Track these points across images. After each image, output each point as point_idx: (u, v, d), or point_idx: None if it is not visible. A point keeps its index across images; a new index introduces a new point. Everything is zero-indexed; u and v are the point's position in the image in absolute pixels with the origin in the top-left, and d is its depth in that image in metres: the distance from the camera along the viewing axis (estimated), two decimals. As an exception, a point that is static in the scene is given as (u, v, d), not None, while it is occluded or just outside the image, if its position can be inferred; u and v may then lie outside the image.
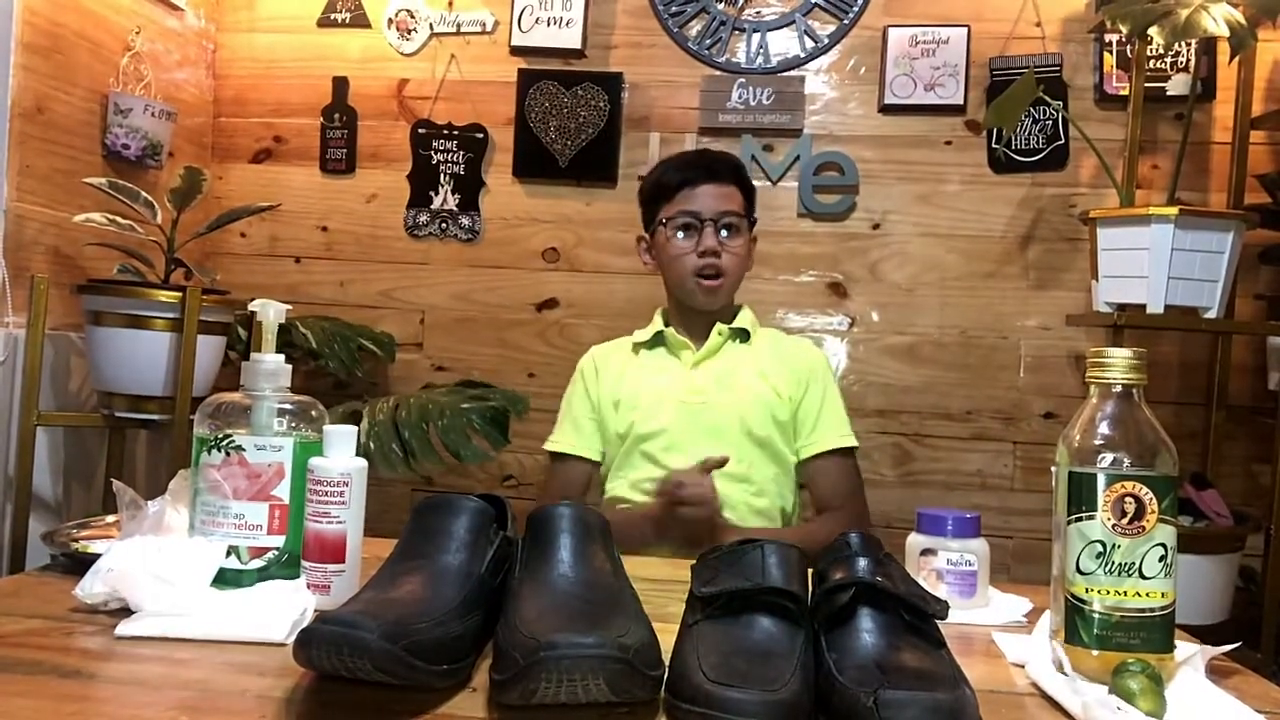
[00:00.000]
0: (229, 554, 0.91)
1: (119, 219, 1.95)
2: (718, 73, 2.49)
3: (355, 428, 0.92)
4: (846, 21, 2.46)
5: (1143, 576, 0.75)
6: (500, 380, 2.39)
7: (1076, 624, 0.76)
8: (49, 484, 2.01)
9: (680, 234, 1.65)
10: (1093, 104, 2.37)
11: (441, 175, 2.57)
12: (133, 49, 2.26)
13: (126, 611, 0.83)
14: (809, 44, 2.47)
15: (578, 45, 2.50)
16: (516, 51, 2.54)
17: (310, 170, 2.63)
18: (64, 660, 0.74)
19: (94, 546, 0.99)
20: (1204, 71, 2.30)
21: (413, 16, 2.58)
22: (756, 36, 2.49)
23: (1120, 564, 0.75)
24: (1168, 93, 2.33)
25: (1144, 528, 0.76)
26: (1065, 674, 0.75)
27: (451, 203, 2.57)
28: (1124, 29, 1.94)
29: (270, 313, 0.98)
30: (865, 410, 2.39)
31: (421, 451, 1.97)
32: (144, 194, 1.99)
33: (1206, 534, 2.01)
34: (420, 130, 2.57)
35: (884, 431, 2.42)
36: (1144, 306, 1.97)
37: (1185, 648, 0.79)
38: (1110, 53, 2.35)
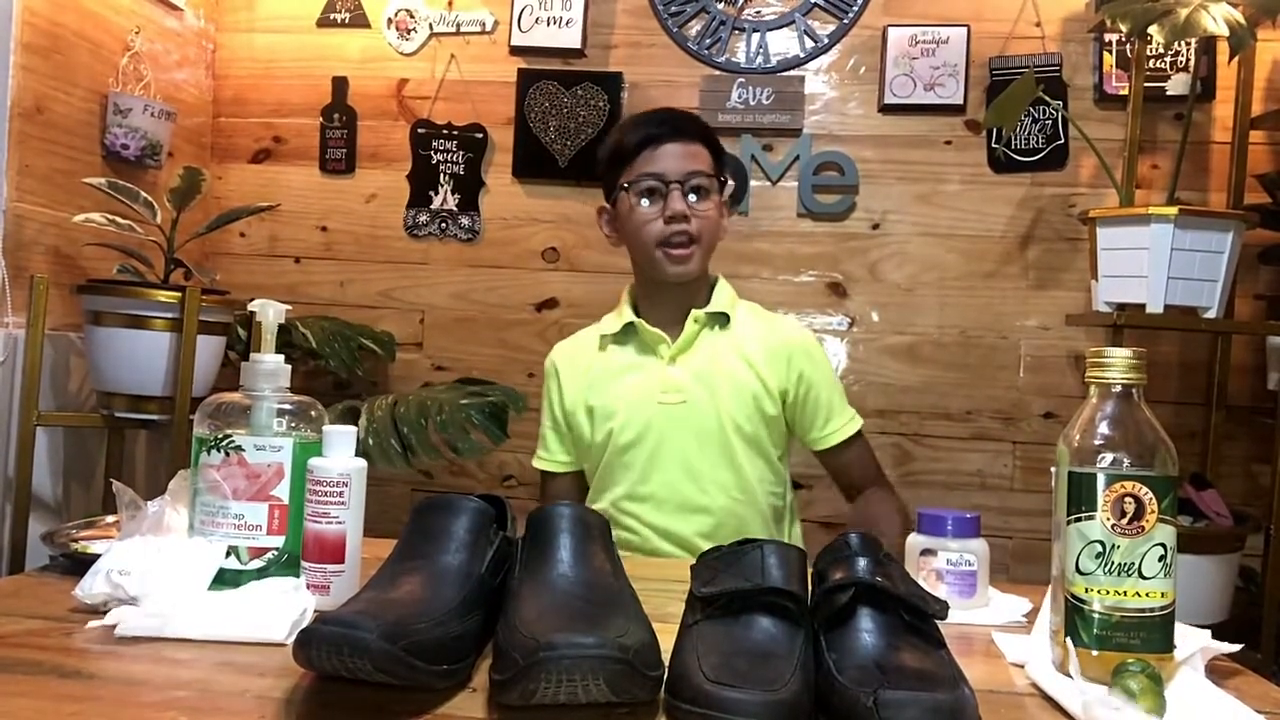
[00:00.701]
0: (229, 554, 0.91)
1: (118, 219, 1.95)
2: (717, 72, 2.49)
3: (354, 428, 0.92)
4: (846, 21, 2.46)
5: (1142, 576, 0.75)
6: (500, 380, 2.38)
7: (1076, 624, 0.76)
8: (49, 484, 2.01)
9: (644, 200, 1.48)
10: (1092, 104, 2.38)
11: (441, 175, 2.57)
12: (132, 49, 2.26)
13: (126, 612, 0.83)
14: (809, 44, 2.47)
15: (577, 45, 2.50)
16: (516, 51, 2.54)
17: (310, 170, 2.63)
18: (64, 660, 0.74)
19: (94, 547, 0.99)
20: (1204, 71, 2.30)
21: (412, 16, 2.58)
22: (756, 36, 2.49)
23: (1120, 564, 0.75)
24: (1167, 92, 2.33)
25: (1144, 528, 0.76)
26: (1069, 675, 0.75)
27: (451, 202, 2.57)
28: (1124, 28, 1.94)
29: (270, 313, 0.98)
30: (865, 410, 2.37)
31: (420, 447, 1.96)
32: (143, 194, 1.99)
33: (1206, 534, 2.01)
34: (420, 130, 2.57)
35: (884, 431, 2.42)
36: (1144, 306, 1.97)
37: (1187, 644, 0.79)
38: (1110, 52, 2.35)
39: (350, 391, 2.44)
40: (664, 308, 1.53)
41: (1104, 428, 0.78)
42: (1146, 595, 0.75)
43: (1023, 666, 0.81)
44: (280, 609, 0.82)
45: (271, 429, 0.93)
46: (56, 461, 2.03)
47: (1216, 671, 0.80)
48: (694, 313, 1.51)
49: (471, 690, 0.71)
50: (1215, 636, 0.82)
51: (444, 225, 2.57)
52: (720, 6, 2.50)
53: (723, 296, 1.55)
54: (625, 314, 1.55)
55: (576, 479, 1.61)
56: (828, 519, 2.33)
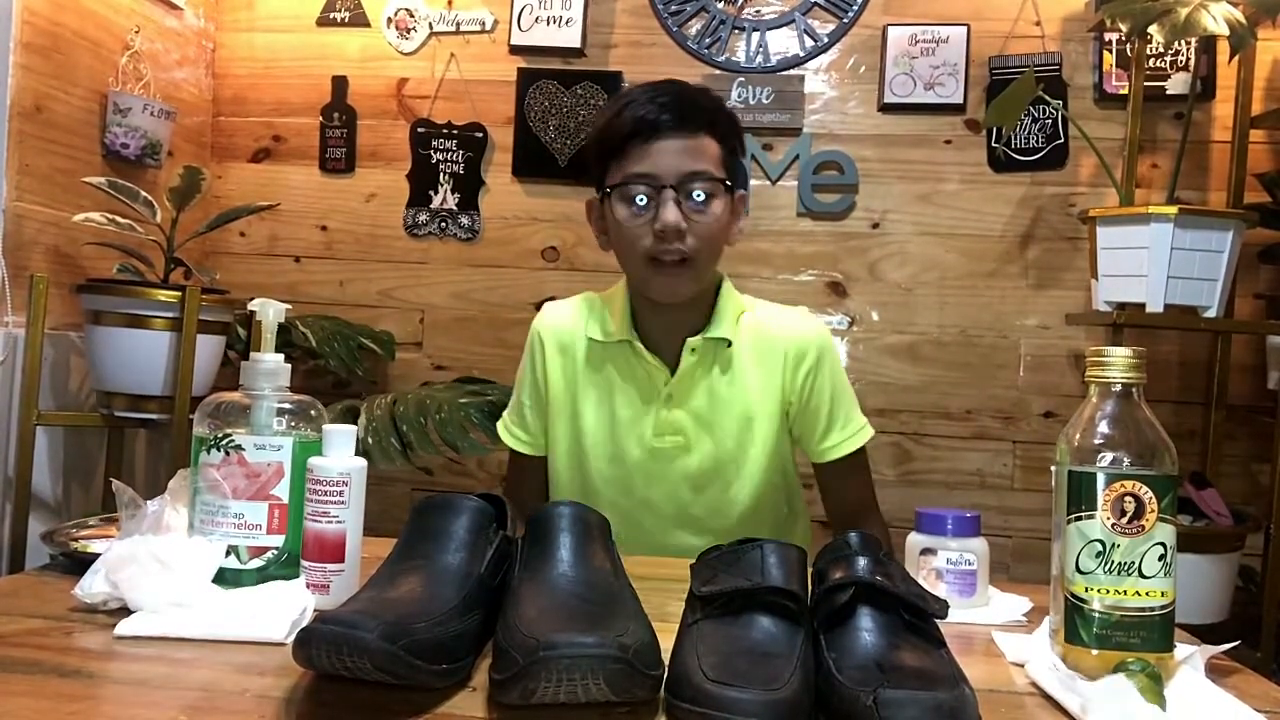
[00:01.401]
0: (228, 554, 0.91)
1: (118, 218, 1.95)
2: (717, 72, 2.48)
3: (354, 427, 0.92)
4: (846, 20, 2.46)
5: (1142, 576, 0.75)
6: (500, 379, 2.38)
7: (1076, 623, 0.76)
8: (49, 484, 2.00)
9: (632, 209, 1.23)
10: (1092, 103, 2.37)
11: (441, 174, 2.57)
12: (132, 48, 2.26)
13: (126, 611, 0.83)
14: (808, 43, 2.47)
15: (577, 44, 2.50)
16: (516, 50, 2.54)
17: (309, 169, 2.63)
18: (64, 660, 0.74)
19: (94, 546, 0.99)
20: (1204, 70, 2.30)
21: (412, 15, 2.58)
22: (756, 35, 2.49)
23: (1120, 563, 0.75)
24: (1167, 92, 2.33)
25: (1143, 527, 0.76)
26: (1069, 674, 0.75)
27: (451, 202, 2.57)
28: (1124, 28, 1.94)
29: (270, 312, 0.98)
30: (865, 410, 2.37)
31: (419, 444, 1.96)
32: (143, 193, 1.99)
33: (1206, 533, 2.01)
34: (420, 129, 2.57)
35: (884, 431, 2.42)
36: (1143, 305, 1.97)
37: (1185, 647, 0.79)
38: (1110, 52, 2.35)
39: (350, 391, 2.44)
40: (659, 322, 1.33)
41: (1104, 427, 0.78)
42: (1146, 594, 0.75)
43: (1023, 666, 0.81)
44: (280, 608, 0.82)
45: (271, 428, 0.93)
46: (56, 461, 2.03)
47: (1216, 671, 0.80)
48: (689, 342, 1.30)
49: (471, 690, 0.71)
50: (1215, 636, 0.82)
51: (444, 225, 2.57)
52: (720, 6, 2.50)
53: (725, 312, 1.32)
54: (622, 324, 1.33)
55: (542, 463, 1.43)
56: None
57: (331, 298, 2.60)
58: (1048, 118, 2.38)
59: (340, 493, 0.87)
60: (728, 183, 1.26)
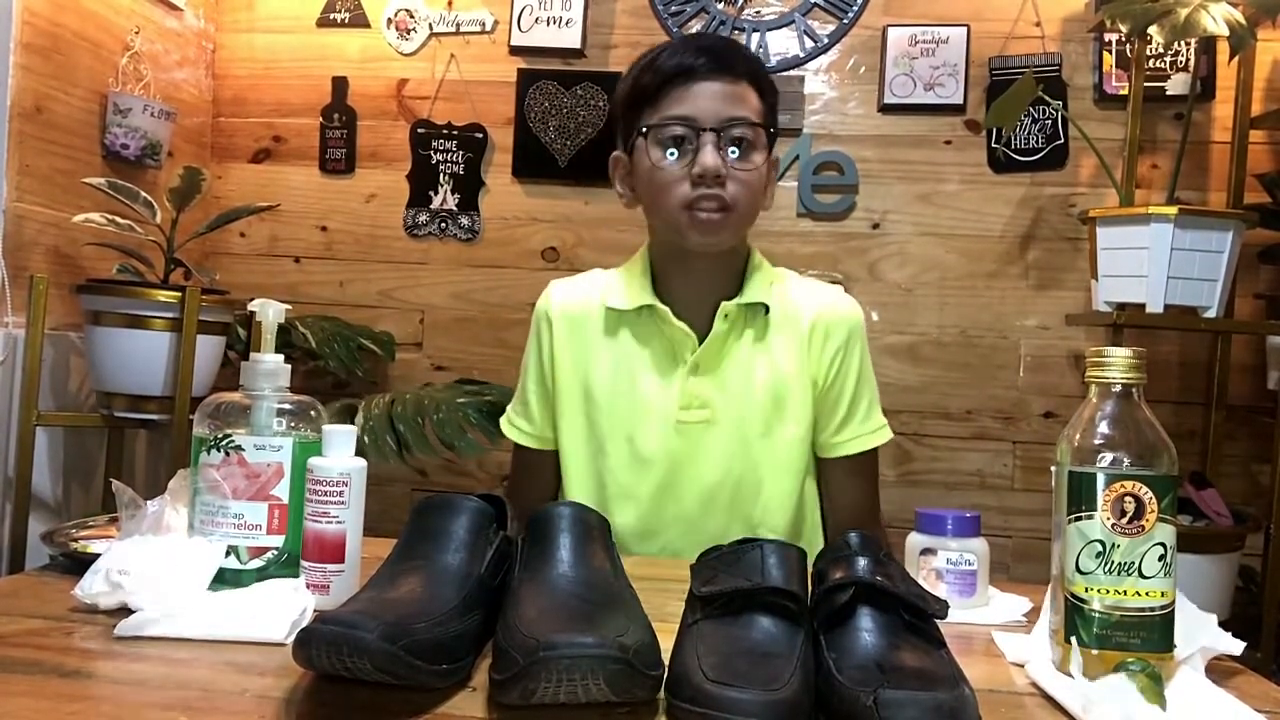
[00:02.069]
0: (228, 554, 0.91)
1: (118, 219, 1.95)
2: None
3: (354, 428, 0.92)
4: (846, 21, 2.46)
5: (1142, 576, 0.75)
6: (500, 380, 2.38)
7: (1076, 623, 0.76)
8: (49, 484, 2.00)
9: (668, 151, 1.17)
10: (1092, 103, 2.38)
11: (441, 175, 2.57)
12: (132, 49, 2.26)
13: (126, 611, 0.83)
14: (808, 44, 2.47)
15: (577, 45, 2.50)
16: (516, 51, 2.54)
17: (309, 170, 2.63)
18: (64, 660, 0.74)
19: (93, 546, 0.99)
20: (1203, 71, 2.30)
21: (412, 16, 2.58)
22: (756, 36, 2.49)
23: (1120, 563, 0.75)
24: (1167, 92, 2.33)
25: (1143, 527, 0.76)
26: (1070, 674, 0.75)
27: (451, 202, 2.57)
28: (1123, 28, 1.94)
29: (270, 312, 0.98)
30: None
31: (416, 443, 1.96)
32: (143, 194, 1.99)
33: (1206, 534, 2.01)
34: (420, 130, 2.57)
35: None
36: (1143, 306, 1.97)
37: (1192, 633, 0.78)
38: (1110, 52, 2.35)
39: (349, 391, 2.44)
40: (689, 287, 1.24)
41: (1104, 427, 0.78)
42: (1146, 595, 0.75)
43: (1023, 666, 0.81)
44: (280, 609, 0.82)
45: (271, 429, 0.93)
46: (56, 461, 2.03)
47: (1216, 671, 0.80)
48: (724, 306, 1.22)
49: (471, 690, 0.71)
50: (1215, 636, 0.82)
51: (444, 225, 2.57)
52: (720, 6, 2.50)
53: (762, 280, 1.26)
54: (643, 290, 1.25)
55: (549, 455, 1.33)
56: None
57: (331, 298, 2.60)
58: (1048, 118, 2.38)
59: (340, 493, 0.87)
60: (769, 130, 1.20)
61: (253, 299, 1.01)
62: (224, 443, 0.92)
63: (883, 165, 2.45)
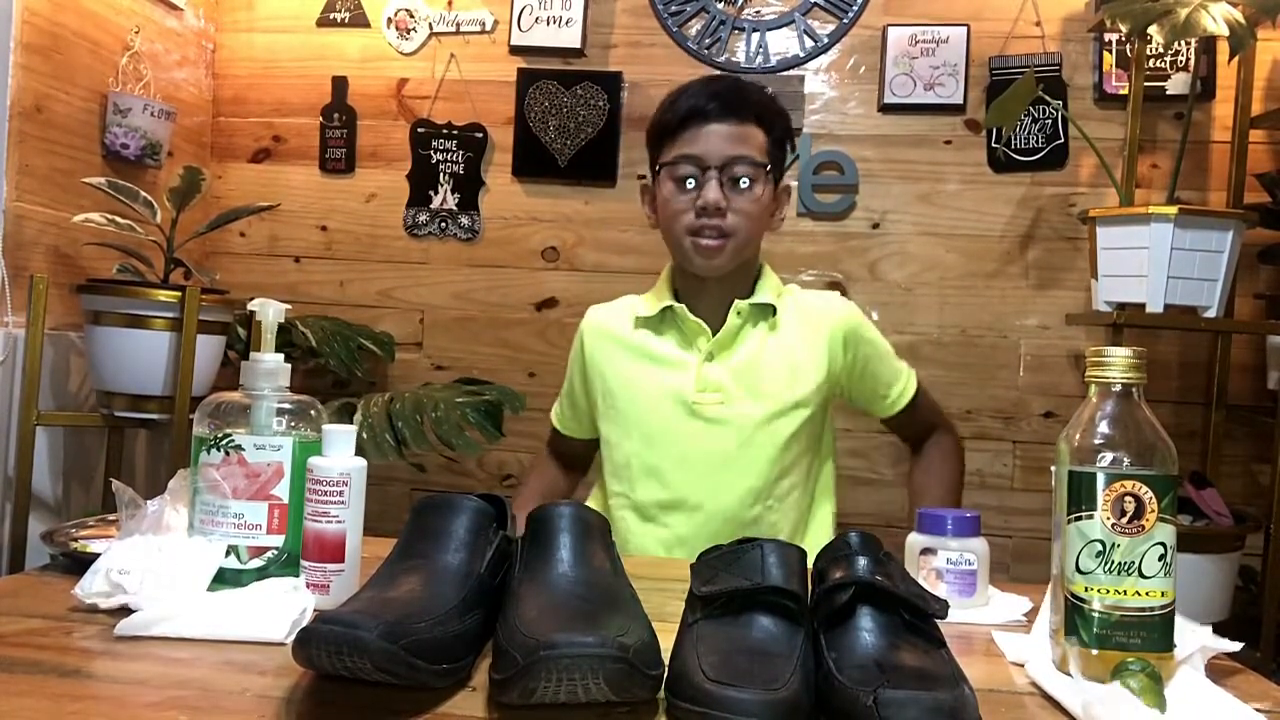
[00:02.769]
0: (228, 553, 0.91)
1: (118, 219, 1.95)
2: (717, 72, 2.48)
3: (354, 427, 0.92)
4: (846, 21, 2.46)
5: (1142, 576, 0.75)
6: (500, 379, 2.38)
7: (1076, 623, 0.76)
8: (49, 484, 2.01)
9: (678, 185, 1.36)
10: (1092, 103, 2.37)
11: (441, 175, 2.57)
12: (132, 49, 2.26)
13: (126, 611, 0.83)
14: (808, 43, 2.47)
15: (577, 45, 2.50)
16: (516, 51, 2.54)
17: (309, 170, 2.63)
18: (64, 660, 0.74)
19: (94, 546, 0.99)
20: (1203, 71, 2.30)
21: (412, 16, 2.58)
22: (756, 36, 2.49)
23: (1120, 563, 0.75)
24: (1167, 92, 2.33)
25: (1143, 527, 0.76)
26: (1069, 674, 0.75)
27: (451, 202, 2.57)
28: (1124, 28, 1.94)
29: (270, 312, 0.98)
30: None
31: (414, 440, 1.96)
32: (143, 194, 1.99)
33: (1206, 533, 2.01)
34: (420, 130, 2.57)
35: (884, 431, 2.40)
36: (1143, 306, 1.97)
37: (1187, 641, 0.78)
38: (1110, 52, 2.35)
39: (349, 391, 2.44)
40: (704, 295, 1.42)
41: (1104, 427, 0.78)
42: (1146, 594, 0.75)
43: (1023, 666, 0.81)
44: (280, 608, 0.82)
45: (271, 428, 0.93)
46: (56, 461, 2.03)
47: (1216, 671, 0.80)
48: (737, 304, 1.39)
49: (471, 689, 0.71)
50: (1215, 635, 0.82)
51: (444, 225, 2.57)
52: (720, 6, 2.50)
53: (769, 286, 1.43)
54: (664, 296, 1.43)
55: (589, 444, 1.58)
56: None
57: (331, 298, 2.60)
58: (1048, 118, 2.38)
59: (340, 493, 0.87)
60: (768, 168, 1.37)
61: (253, 299, 1.01)
62: (224, 442, 0.92)
63: (883, 165, 2.45)
